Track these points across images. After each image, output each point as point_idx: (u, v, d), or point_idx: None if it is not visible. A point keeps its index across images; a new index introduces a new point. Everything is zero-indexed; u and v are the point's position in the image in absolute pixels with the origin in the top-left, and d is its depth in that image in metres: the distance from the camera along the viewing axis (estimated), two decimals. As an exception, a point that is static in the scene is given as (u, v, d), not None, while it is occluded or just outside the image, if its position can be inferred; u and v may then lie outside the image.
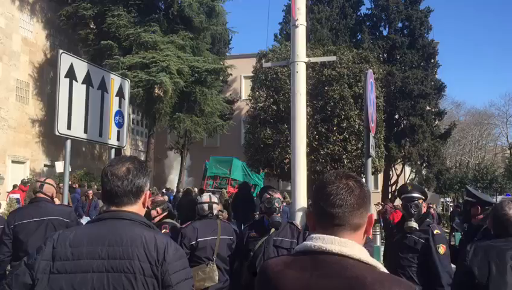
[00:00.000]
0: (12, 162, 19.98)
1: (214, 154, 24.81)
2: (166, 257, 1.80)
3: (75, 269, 1.76)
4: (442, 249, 3.94)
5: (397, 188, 26.92)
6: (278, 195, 4.62)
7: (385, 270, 1.42)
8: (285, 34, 25.31)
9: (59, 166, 13.16)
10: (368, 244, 4.33)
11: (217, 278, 4.47)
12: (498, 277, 2.72)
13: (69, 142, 5.10)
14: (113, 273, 1.76)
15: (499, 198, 23.27)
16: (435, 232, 4.02)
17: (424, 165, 26.40)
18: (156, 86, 19.96)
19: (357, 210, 1.44)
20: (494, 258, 2.77)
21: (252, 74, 20.25)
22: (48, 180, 4.67)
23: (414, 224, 4.06)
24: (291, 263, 1.47)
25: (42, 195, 4.54)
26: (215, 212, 4.77)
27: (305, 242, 1.48)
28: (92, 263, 1.76)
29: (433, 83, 25.67)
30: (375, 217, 10.87)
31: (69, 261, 1.77)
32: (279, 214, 4.54)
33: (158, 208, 4.93)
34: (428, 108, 25.25)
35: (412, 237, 4.07)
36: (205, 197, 4.88)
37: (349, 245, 1.41)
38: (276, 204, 4.47)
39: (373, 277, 1.35)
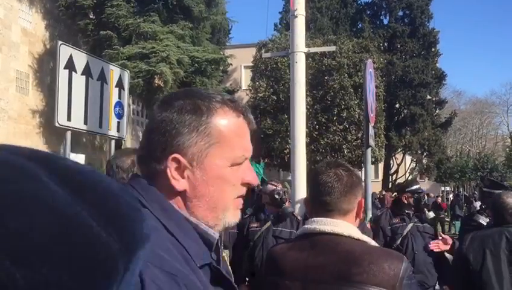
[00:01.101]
0: (13, 153, 20.04)
1: (215, 144, 24.80)
2: None
3: None
4: None
5: (397, 177, 26.96)
6: (280, 186, 4.64)
7: (375, 245, 1.62)
8: (285, 24, 25.19)
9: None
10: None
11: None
12: (491, 264, 2.75)
13: (69, 134, 5.12)
14: None
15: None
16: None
17: (425, 154, 26.43)
18: (156, 76, 19.91)
19: (344, 197, 1.58)
20: (489, 246, 2.81)
21: (252, 64, 20.20)
22: None
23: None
24: (293, 246, 1.66)
25: None
26: None
27: (304, 226, 1.67)
28: None
29: (433, 72, 25.62)
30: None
31: None
32: (289, 204, 4.57)
33: None
34: (428, 97, 25.23)
35: None
36: None
37: (339, 225, 1.57)
38: (286, 196, 4.53)
39: (362, 250, 1.52)
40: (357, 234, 1.56)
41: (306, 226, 1.63)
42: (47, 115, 21.08)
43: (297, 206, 5.25)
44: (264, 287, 1.71)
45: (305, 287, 1.53)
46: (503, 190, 3.74)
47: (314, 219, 1.61)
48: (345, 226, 1.57)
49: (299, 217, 4.58)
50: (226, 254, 4.51)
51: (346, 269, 1.47)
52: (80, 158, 13.37)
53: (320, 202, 1.60)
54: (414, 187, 4.42)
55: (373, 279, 1.43)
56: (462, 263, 2.87)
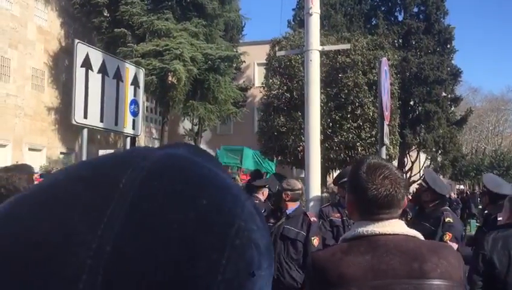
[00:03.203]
0: (29, 149, 20.29)
1: (228, 141, 24.85)
2: None
3: None
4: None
5: (411, 175, 26.76)
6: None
7: (423, 239, 1.61)
8: (299, 20, 25.10)
9: None
10: None
11: None
12: None
13: (85, 131, 5.18)
14: None
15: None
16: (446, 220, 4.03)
17: (440, 152, 26.17)
18: (169, 73, 20.02)
19: (402, 202, 1.58)
20: None
21: (265, 61, 20.17)
22: None
23: None
24: (348, 250, 1.55)
25: None
26: None
27: (357, 229, 1.58)
28: None
29: (449, 68, 25.32)
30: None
31: None
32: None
33: None
34: (444, 94, 24.95)
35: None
36: None
37: (396, 224, 1.55)
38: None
39: (426, 246, 1.53)
40: (413, 232, 1.58)
41: (361, 229, 1.56)
42: (62, 112, 21.32)
43: (311, 204, 5.24)
44: None
45: None
46: None
47: (369, 221, 1.56)
48: (401, 225, 1.56)
49: (312, 219, 4.55)
50: None
51: (418, 267, 1.45)
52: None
53: (378, 211, 1.55)
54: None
55: (445, 273, 1.46)
56: (486, 266, 2.80)
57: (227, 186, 0.40)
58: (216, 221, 0.36)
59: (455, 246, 3.85)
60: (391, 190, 1.53)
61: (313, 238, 4.34)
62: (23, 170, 2.34)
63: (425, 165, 26.84)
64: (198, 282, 0.32)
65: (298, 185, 4.71)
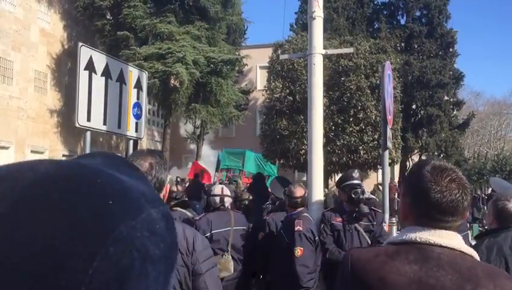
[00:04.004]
0: (32, 152, 20.32)
1: (230, 144, 24.88)
2: (196, 247, 1.89)
3: None
4: None
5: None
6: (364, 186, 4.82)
7: (479, 260, 1.44)
8: (301, 24, 25.15)
9: None
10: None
11: (232, 268, 4.54)
12: None
13: (88, 134, 5.18)
14: None
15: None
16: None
17: (442, 155, 26.13)
18: (172, 76, 20.06)
19: (466, 212, 1.43)
20: (508, 253, 2.75)
21: (267, 64, 20.19)
22: None
23: None
24: (394, 254, 1.39)
25: None
26: (226, 205, 4.81)
27: (408, 233, 1.42)
28: None
29: (451, 72, 25.30)
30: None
31: None
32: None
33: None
34: (446, 98, 24.92)
35: None
36: (217, 189, 4.91)
37: (454, 238, 1.39)
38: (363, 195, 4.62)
39: (483, 269, 1.35)
40: (469, 249, 1.41)
41: (413, 234, 1.39)
42: (65, 114, 21.37)
43: (313, 208, 5.23)
44: None
45: None
46: None
47: (424, 228, 1.39)
48: (459, 239, 1.40)
49: (297, 228, 4.50)
50: None
51: (471, 289, 1.30)
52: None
53: (440, 217, 1.39)
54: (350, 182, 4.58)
55: None
56: None
57: (122, 194, 0.39)
58: (91, 230, 0.35)
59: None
60: (457, 195, 1.37)
61: (295, 248, 4.36)
62: None
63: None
64: None
65: (297, 192, 4.71)
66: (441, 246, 1.36)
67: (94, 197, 0.37)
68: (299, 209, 4.69)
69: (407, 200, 1.47)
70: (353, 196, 4.53)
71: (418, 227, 1.40)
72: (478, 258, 1.41)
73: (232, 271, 4.53)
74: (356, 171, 4.83)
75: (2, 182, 0.36)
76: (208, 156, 28.31)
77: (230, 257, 4.54)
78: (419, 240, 1.38)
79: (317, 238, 4.56)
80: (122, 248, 0.35)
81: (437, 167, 1.42)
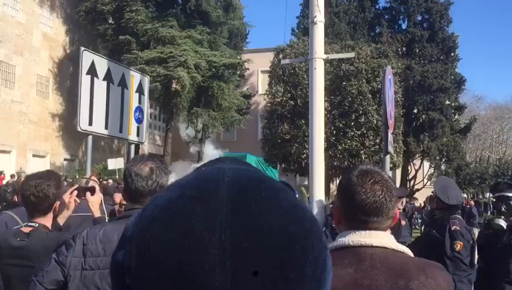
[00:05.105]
0: (33, 156, 20.35)
1: (231, 148, 24.87)
2: None
3: (108, 265, 1.81)
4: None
5: (415, 183, 26.66)
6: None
7: (412, 255, 1.48)
8: (303, 29, 25.18)
9: (111, 163, 13.38)
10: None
11: None
12: None
13: (90, 138, 5.19)
14: None
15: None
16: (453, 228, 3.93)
17: (444, 160, 26.09)
18: (173, 80, 20.09)
19: (391, 212, 1.46)
20: None
21: (269, 68, 20.22)
22: (92, 177, 4.78)
23: (502, 222, 3.97)
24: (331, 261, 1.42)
25: None
26: None
27: (341, 238, 1.47)
28: None
29: (452, 76, 25.32)
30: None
31: (101, 257, 1.83)
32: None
33: None
34: (447, 102, 24.93)
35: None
36: None
37: (384, 237, 1.44)
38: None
39: (414, 263, 1.41)
40: (400, 246, 1.46)
41: (345, 238, 1.45)
42: (66, 118, 21.40)
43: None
44: None
45: None
46: None
47: (355, 231, 1.44)
48: (389, 238, 1.45)
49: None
50: None
51: (404, 285, 1.34)
52: (118, 162, 13.45)
53: (365, 218, 1.43)
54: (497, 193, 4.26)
55: None
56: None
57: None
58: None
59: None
60: (381, 197, 1.41)
61: None
62: (51, 176, 2.38)
63: (428, 173, 26.73)
64: (297, 261, 0.44)
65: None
66: (372, 246, 1.40)
67: (284, 192, 0.49)
68: None
69: (338, 203, 1.55)
70: None
71: (350, 231, 1.45)
72: (411, 254, 1.45)
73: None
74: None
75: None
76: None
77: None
78: (352, 243, 1.42)
79: None
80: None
81: (363, 170, 1.48)
